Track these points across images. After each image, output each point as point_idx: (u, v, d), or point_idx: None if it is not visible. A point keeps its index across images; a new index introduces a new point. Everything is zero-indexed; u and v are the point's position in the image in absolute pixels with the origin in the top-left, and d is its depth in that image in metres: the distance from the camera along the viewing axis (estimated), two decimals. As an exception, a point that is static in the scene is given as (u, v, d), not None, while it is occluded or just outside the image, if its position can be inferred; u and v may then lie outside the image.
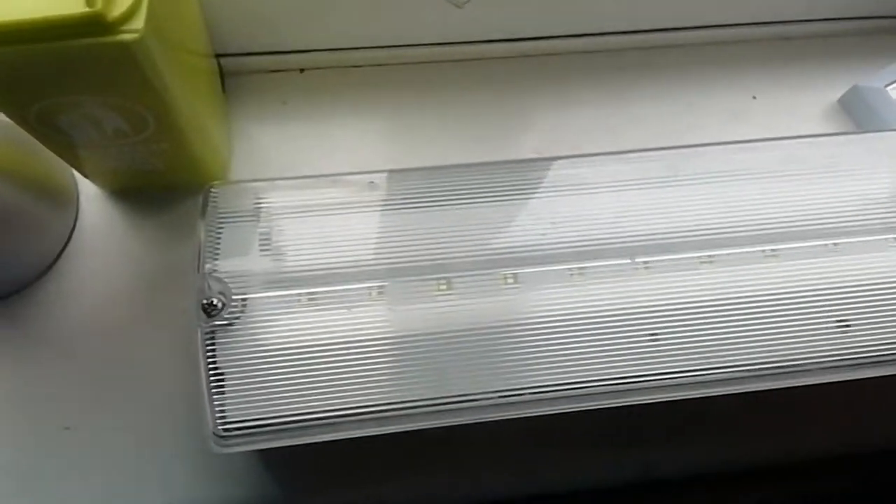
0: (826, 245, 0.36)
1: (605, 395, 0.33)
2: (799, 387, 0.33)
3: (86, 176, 0.39)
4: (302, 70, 0.45)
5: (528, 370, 0.32)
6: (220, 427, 0.30)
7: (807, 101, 0.47)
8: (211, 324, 0.31)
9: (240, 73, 0.44)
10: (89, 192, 0.41)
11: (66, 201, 0.40)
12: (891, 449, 0.41)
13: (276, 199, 0.34)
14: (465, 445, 0.38)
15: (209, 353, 0.31)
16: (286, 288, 0.33)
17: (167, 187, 0.40)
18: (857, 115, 0.46)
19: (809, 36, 0.48)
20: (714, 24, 0.47)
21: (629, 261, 0.34)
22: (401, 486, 0.38)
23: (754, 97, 0.47)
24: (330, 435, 0.31)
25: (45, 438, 0.37)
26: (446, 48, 0.45)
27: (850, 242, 0.36)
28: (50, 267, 0.39)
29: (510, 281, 0.34)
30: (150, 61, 0.28)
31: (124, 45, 0.26)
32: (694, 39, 0.47)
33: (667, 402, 0.33)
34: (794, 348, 0.33)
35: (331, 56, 0.44)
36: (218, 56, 0.42)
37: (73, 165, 0.37)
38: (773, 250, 0.36)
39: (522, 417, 0.32)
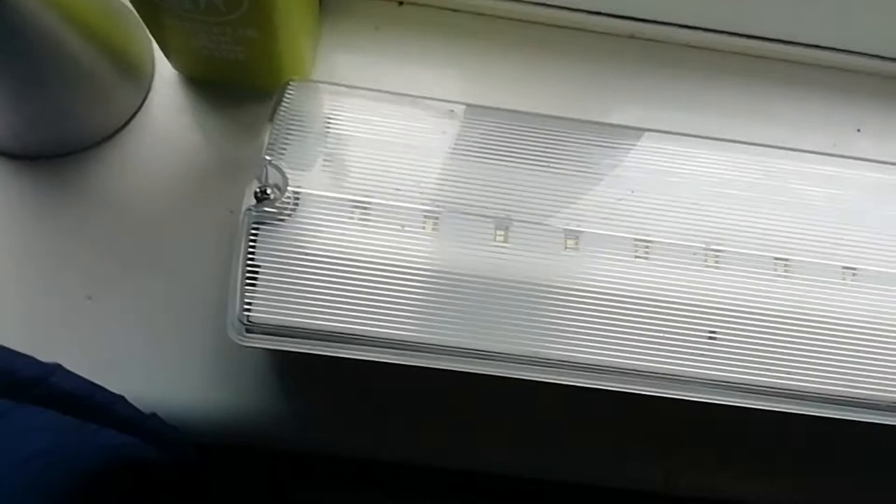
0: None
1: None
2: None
3: (165, 53, 0.38)
4: (401, 3, 0.43)
5: (567, 338, 0.31)
6: (245, 316, 0.29)
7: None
8: (260, 209, 0.29)
9: (339, -4, 0.43)
10: (165, 75, 0.40)
11: (140, 77, 0.39)
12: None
13: (350, 107, 0.33)
14: (486, 402, 0.36)
15: (251, 241, 0.30)
16: (342, 196, 0.31)
17: (241, 83, 0.39)
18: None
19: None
20: (828, 45, 0.44)
21: (702, 248, 0.32)
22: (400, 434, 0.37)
23: (858, 130, 0.44)
24: (349, 352, 0.30)
25: (67, 307, 0.36)
26: (546, 10, 0.43)
27: None
28: (109, 138, 0.39)
29: (570, 243, 0.33)
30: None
31: None
32: (802, 57, 0.45)
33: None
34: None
35: (432, -7, 0.43)
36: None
37: (155, 37, 0.36)
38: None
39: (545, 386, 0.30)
